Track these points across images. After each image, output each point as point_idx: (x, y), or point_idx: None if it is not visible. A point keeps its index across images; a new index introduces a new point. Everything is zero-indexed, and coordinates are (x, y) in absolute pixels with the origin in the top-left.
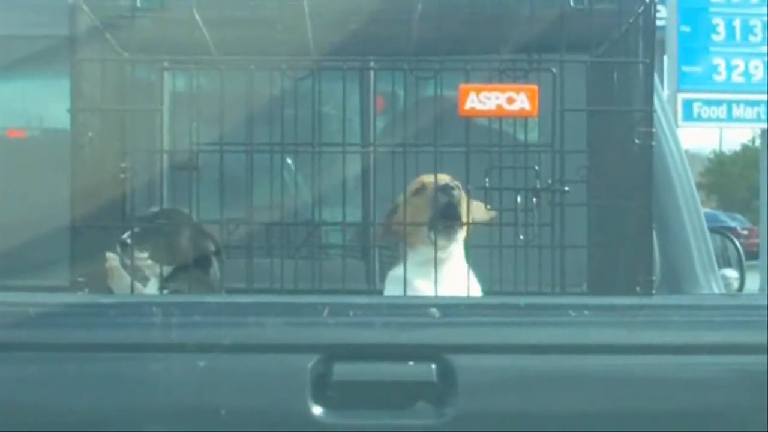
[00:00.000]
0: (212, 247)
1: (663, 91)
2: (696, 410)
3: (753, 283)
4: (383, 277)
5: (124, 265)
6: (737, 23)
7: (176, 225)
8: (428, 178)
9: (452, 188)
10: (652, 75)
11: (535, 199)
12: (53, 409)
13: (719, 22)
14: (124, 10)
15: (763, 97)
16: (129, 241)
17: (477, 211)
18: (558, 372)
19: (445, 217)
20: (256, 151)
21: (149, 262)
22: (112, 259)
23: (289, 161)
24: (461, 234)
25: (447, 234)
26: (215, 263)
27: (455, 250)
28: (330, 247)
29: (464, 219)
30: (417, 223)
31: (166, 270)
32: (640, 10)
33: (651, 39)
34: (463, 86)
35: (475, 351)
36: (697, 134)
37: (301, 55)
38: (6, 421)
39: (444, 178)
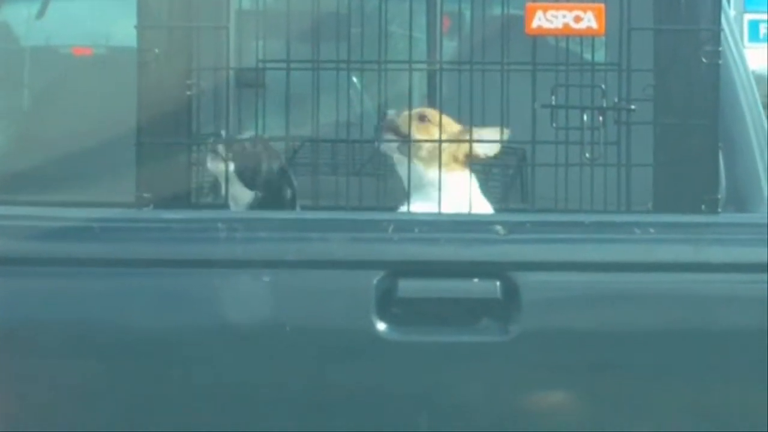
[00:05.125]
0: (288, 187)
1: (730, 11)
2: (761, 328)
3: None
4: None
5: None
6: None
7: (266, 154)
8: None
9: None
10: None
11: (601, 118)
12: (117, 324)
13: None
14: None
15: None
16: (220, 149)
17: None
18: (622, 289)
19: None
20: (322, 68)
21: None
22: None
23: (355, 79)
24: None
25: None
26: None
27: (453, 177)
28: None
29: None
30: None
31: (248, 195)
32: None
33: None
34: (529, 5)
35: (539, 268)
36: (763, 55)
37: None
38: (70, 335)
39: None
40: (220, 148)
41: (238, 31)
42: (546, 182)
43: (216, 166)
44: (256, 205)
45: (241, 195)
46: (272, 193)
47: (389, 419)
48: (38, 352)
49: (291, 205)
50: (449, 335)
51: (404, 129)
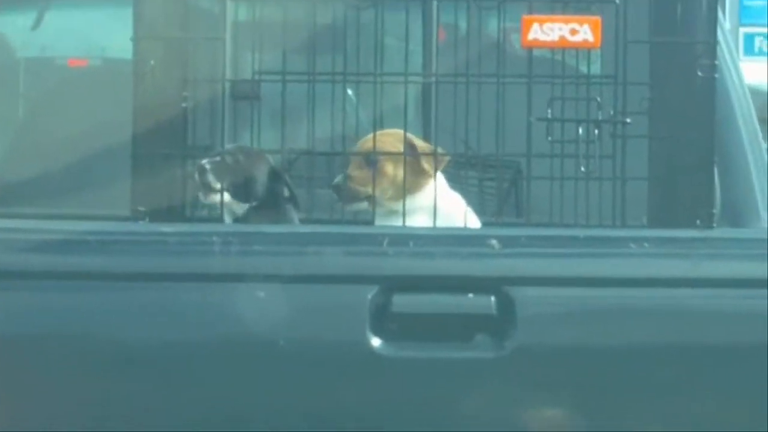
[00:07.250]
0: (286, 192)
1: (725, 25)
2: (756, 343)
3: None
4: None
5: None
6: None
7: (253, 163)
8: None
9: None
10: (716, 6)
11: (596, 131)
12: (112, 337)
13: None
14: None
15: None
16: (208, 167)
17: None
18: (617, 305)
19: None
20: (318, 80)
21: (226, 197)
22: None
23: (350, 91)
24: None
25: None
26: (290, 209)
27: (421, 198)
28: None
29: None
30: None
31: (241, 209)
32: None
33: None
34: (526, 17)
35: (534, 283)
36: (759, 69)
37: None
38: (65, 349)
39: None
40: (206, 163)
41: (234, 42)
42: (541, 196)
43: (204, 184)
44: (251, 213)
45: (237, 208)
46: (269, 200)
47: None
48: (34, 366)
49: (291, 209)
50: (444, 351)
51: (361, 183)
